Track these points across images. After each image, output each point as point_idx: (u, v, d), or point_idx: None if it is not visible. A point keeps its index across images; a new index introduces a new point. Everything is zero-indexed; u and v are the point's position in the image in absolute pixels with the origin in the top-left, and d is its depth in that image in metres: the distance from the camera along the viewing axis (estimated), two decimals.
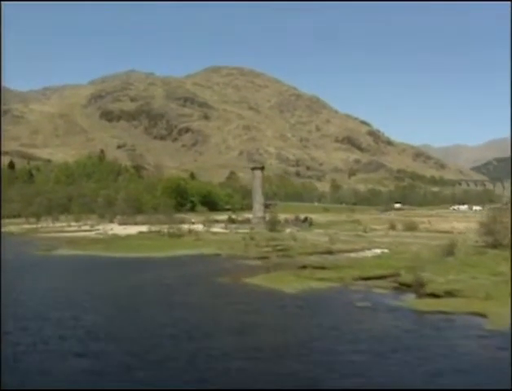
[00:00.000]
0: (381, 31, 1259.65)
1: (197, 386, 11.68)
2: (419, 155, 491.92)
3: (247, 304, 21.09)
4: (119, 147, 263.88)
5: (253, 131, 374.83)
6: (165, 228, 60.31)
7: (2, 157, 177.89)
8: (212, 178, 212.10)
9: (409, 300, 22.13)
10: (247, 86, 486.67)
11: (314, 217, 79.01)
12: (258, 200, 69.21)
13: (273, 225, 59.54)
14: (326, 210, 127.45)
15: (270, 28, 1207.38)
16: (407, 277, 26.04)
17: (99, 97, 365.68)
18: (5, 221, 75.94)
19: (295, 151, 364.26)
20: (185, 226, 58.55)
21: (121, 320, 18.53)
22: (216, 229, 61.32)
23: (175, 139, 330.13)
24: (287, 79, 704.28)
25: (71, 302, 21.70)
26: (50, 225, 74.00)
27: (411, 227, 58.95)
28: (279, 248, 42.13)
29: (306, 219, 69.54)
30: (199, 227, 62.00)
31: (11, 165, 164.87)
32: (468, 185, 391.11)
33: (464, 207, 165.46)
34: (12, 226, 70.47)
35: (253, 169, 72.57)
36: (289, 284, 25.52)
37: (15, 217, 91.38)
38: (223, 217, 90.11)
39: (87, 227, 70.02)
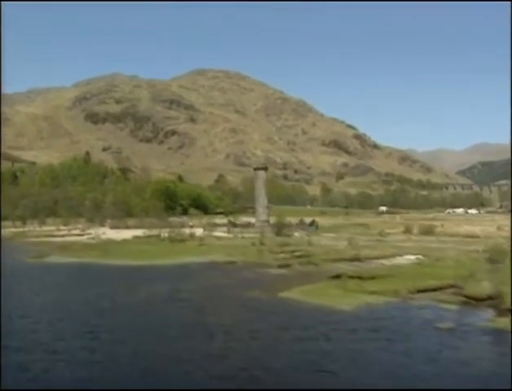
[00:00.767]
0: (367, 33, 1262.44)
1: None
2: (405, 158, 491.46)
3: (304, 328, 16.71)
4: (104, 149, 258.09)
5: (239, 134, 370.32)
6: (162, 232, 56.14)
7: None
8: (199, 181, 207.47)
9: (496, 319, 18.00)
10: (233, 89, 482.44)
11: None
12: (261, 203, 64.76)
13: (280, 229, 55.18)
14: (322, 213, 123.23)
15: (254, 30, 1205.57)
16: (473, 288, 21.96)
17: (84, 99, 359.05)
18: None
19: (282, 154, 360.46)
20: (186, 231, 53.82)
21: (152, 352, 13.96)
22: (218, 233, 56.76)
23: (161, 142, 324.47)
24: (273, 82, 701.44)
25: (76, 323, 17.28)
26: (38, 229, 69.02)
27: (428, 231, 54.93)
28: (296, 254, 37.85)
29: (313, 223, 65.20)
30: (199, 231, 57.30)
31: None
32: (455, 188, 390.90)
33: (460, 210, 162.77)
34: None
35: (256, 169, 68.07)
36: (338, 299, 21.28)
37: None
38: (218, 220, 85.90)
39: (77, 231, 65.19)
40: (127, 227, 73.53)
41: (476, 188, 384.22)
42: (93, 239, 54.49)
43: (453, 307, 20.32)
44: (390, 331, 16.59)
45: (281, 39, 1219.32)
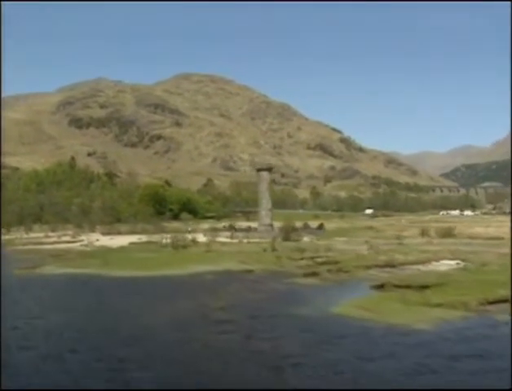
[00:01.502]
0: (350, 37, 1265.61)
1: None
2: (391, 161, 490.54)
3: (393, 356, 13.20)
4: (89, 154, 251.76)
5: (225, 138, 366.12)
6: (160, 238, 52.27)
7: None
8: (186, 186, 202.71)
9: None
10: (218, 93, 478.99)
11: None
12: (265, 206, 60.86)
13: (287, 233, 51.41)
14: (316, 217, 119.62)
15: (237, 35, 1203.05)
16: None
17: (68, 104, 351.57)
18: None
19: (269, 158, 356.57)
20: (189, 236, 49.69)
21: None
22: (221, 238, 52.79)
23: (147, 146, 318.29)
24: (257, 86, 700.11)
25: (96, 355, 13.41)
26: (25, 236, 64.40)
27: (446, 233, 51.54)
28: (318, 260, 34.19)
29: (320, 226, 61.54)
30: (200, 237, 53.22)
31: None
32: (442, 191, 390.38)
33: (455, 212, 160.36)
34: None
35: (259, 170, 64.07)
36: (405, 315, 17.74)
37: None
38: (212, 224, 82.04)
39: (68, 238, 60.81)
40: (120, 233, 69.35)
41: (462, 190, 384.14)
42: (86, 246, 50.31)
43: None
44: (498, 355, 13.04)
45: (264, 43, 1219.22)
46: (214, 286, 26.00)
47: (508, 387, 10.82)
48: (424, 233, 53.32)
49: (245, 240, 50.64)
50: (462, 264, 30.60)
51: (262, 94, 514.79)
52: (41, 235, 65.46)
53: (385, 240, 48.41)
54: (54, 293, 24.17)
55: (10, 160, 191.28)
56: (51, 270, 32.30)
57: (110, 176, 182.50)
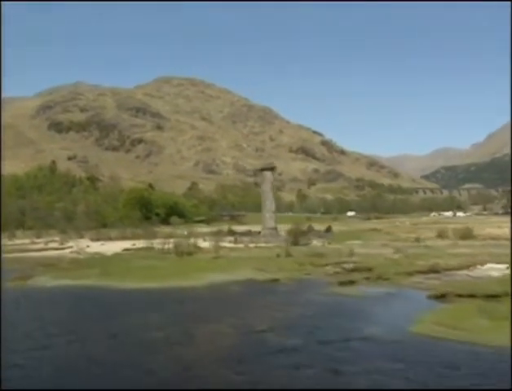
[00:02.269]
0: (329, 40, 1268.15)
1: None
2: (372, 164, 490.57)
3: None
4: (69, 158, 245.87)
5: (207, 141, 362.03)
6: (160, 244, 48.24)
7: None
8: (169, 190, 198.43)
9: None
10: (198, 97, 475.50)
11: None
12: (268, 208, 57.00)
13: (296, 237, 47.69)
14: (309, 219, 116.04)
15: (217, 38, 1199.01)
16: None
17: (48, 107, 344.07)
18: None
19: (252, 161, 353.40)
20: (191, 241, 45.60)
21: None
22: (225, 243, 48.83)
23: (128, 150, 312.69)
24: (237, 90, 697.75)
25: None
26: (8, 242, 59.81)
27: (466, 235, 48.28)
28: (347, 266, 30.56)
29: (329, 229, 57.94)
30: (199, 242, 49.24)
31: None
32: (425, 193, 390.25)
33: (448, 213, 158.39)
34: None
35: (262, 169, 60.31)
36: (501, 334, 14.03)
37: None
38: (206, 229, 78.16)
39: (55, 244, 56.49)
40: (110, 239, 65.16)
41: (445, 192, 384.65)
42: (78, 253, 46.14)
43: None
44: None
45: (244, 47, 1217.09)
46: (243, 299, 22.21)
47: (508, 387, 10.37)
48: (441, 235, 50.04)
49: (251, 245, 46.90)
50: None
51: (243, 97, 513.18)
52: (27, 241, 60.96)
53: (404, 243, 44.98)
54: (56, 312, 20.04)
55: None
56: (45, 281, 28.17)
57: (92, 180, 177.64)
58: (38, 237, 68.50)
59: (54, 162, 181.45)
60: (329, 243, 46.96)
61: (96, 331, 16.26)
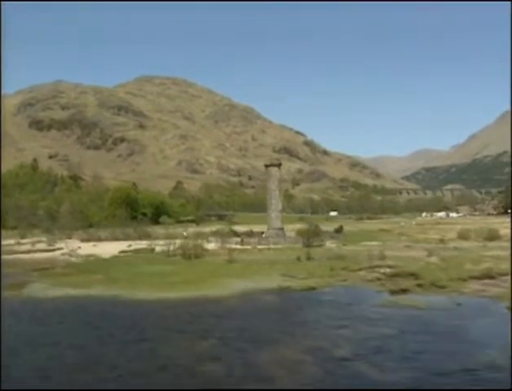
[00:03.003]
0: (311, 40, 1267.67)
1: None
2: (355, 164, 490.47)
3: None
4: (51, 157, 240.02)
5: (190, 141, 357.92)
6: (154, 245, 44.54)
7: None
8: (152, 189, 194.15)
9: None
10: (180, 96, 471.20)
11: None
12: (274, 207, 53.19)
13: (309, 238, 44.08)
14: (301, 219, 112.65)
15: (198, 38, 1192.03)
16: None
17: (29, 105, 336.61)
18: None
19: (235, 160, 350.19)
20: (199, 243, 41.65)
21: None
22: (233, 245, 45.01)
23: (110, 149, 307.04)
24: (219, 89, 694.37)
25: None
26: None
27: (492, 236, 45.13)
28: (387, 271, 27.08)
29: (340, 230, 54.42)
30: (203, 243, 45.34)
31: None
32: (408, 193, 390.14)
33: (441, 214, 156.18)
34: None
35: (268, 166, 56.40)
36: None
37: None
38: (196, 229, 74.46)
39: (43, 245, 52.24)
40: (100, 239, 61.10)
41: (429, 193, 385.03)
42: (70, 255, 42.12)
43: None
44: None
45: (224, 47, 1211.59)
46: (289, 313, 18.47)
47: (508, 387, 9.99)
48: (464, 236, 46.87)
49: (260, 247, 43.21)
50: None
51: (226, 97, 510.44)
52: (11, 242, 56.53)
53: (428, 245, 41.59)
54: (70, 333, 16.01)
55: None
56: (43, 290, 24.13)
57: (75, 179, 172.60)
58: (23, 237, 64.16)
59: (35, 160, 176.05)
60: (344, 245, 43.44)
61: (135, 362, 12.43)
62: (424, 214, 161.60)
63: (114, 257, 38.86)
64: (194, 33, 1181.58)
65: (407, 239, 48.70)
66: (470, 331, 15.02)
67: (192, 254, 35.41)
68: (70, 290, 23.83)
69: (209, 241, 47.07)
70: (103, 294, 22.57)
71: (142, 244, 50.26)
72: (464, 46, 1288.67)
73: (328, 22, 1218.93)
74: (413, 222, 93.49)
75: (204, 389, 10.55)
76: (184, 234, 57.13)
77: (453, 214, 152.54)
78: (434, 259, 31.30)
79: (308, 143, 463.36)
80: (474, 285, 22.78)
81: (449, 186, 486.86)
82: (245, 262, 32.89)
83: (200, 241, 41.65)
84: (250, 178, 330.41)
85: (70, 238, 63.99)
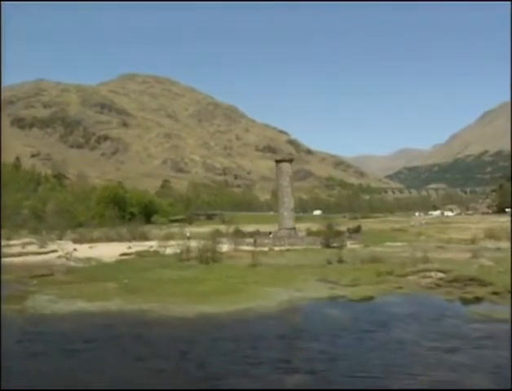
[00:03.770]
0: (296, 39, 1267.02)
1: None
2: (339, 163, 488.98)
3: None
4: (33, 155, 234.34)
5: (174, 139, 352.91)
6: (157, 247, 40.83)
7: None
8: (138, 188, 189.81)
9: None
10: (164, 94, 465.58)
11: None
12: (287, 206, 49.43)
13: (328, 239, 40.52)
14: (298, 219, 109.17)
15: (181, 35, 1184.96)
16: None
17: (10, 103, 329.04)
18: None
19: (221, 159, 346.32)
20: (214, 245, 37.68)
21: None
22: (245, 247, 41.27)
23: (94, 147, 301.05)
24: (202, 88, 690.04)
25: None
26: None
27: None
28: (444, 276, 23.62)
29: (358, 229, 50.95)
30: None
31: None
32: (393, 192, 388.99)
33: (436, 213, 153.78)
34: None
35: (279, 161, 52.52)
36: None
37: None
38: (204, 229, 70.76)
39: (34, 247, 48.02)
40: (93, 240, 57.00)
41: (414, 192, 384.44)
42: (67, 259, 38.13)
43: None
44: None
45: (207, 45, 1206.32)
46: (369, 331, 14.86)
47: (508, 387, 9.77)
48: (492, 235, 43.72)
49: (277, 248, 39.55)
50: None
51: (209, 95, 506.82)
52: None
53: (462, 245, 38.37)
54: (109, 369, 12.21)
55: None
56: (50, 303, 20.04)
57: (59, 177, 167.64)
58: (9, 238, 59.71)
59: (18, 159, 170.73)
60: (367, 246, 39.94)
61: None
62: (417, 213, 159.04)
63: (119, 262, 34.97)
64: (176, 32, 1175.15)
65: (431, 240, 45.44)
66: None
67: (209, 258, 31.57)
68: (83, 303, 19.93)
69: (221, 243, 43.23)
70: (126, 309, 18.71)
71: (142, 246, 46.51)
72: (445, 47, 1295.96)
73: (312, 21, 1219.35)
74: (423, 221, 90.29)
75: (204, 389, 10.40)
76: (187, 234, 53.26)
77: (449, 213, 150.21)
78: (484, 261, 27.91)
79: (292, 142, 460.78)
80: None
81: (433, 185, 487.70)
82: (271, 266, 29.28)
83: (213, 243, 37.49)
84: (236, 177, 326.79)
85: (61, 239, 59.87)
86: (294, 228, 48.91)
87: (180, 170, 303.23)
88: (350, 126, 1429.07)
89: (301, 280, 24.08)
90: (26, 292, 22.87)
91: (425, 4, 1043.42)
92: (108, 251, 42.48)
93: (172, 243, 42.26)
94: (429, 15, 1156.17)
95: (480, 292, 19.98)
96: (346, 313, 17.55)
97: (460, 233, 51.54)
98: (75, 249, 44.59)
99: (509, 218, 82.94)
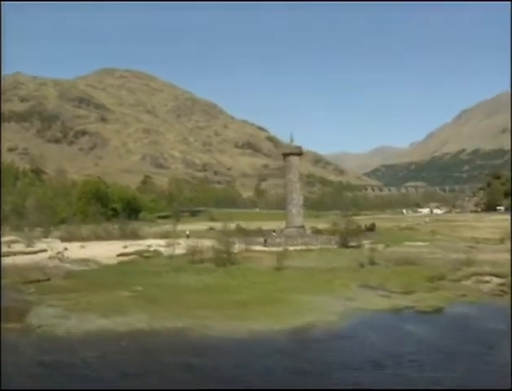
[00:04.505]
0: (275, 36, 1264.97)
1: None
2: (318, 161, 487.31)
3: None
4: (10, 150, 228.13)
5: (153, 135, 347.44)
6: (158, 247, 37.52)
7: None
8: (118, 184, 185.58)
9: None
10: (142, 89, 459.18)
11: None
12: (296, 202, 46.17)
13: (345, 238, 37.51)
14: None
15: (159, 31, 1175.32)
16: None
17: None
18: None
19: (200, 155, 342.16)
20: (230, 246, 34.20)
21: None
22: (256, 246, 38.05)
23: (72, 142, 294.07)
24: (181, 83, 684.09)
25: None
26: None
27: None
28: (489, 279, 20.88)
29: (373, 228, 48.06)
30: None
31: None
32: (373, 190, 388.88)
33: (425, 210, 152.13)
34: None
35: (287, 155, 49.19)
36: None
37: None
38: (199, 227, 67.84)
39: (21, 246, 44.25)
40: (83, 239, 53.32)
41: (394, 190, 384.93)
42: (60, 260, 34.60)
43: None
44: None
45: (185, 42, 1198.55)
46: (479, 354, 11.91)
47: (508, 387, 9.71)
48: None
49: (291, 248, 36.39)
50: None
51: (187, 91, 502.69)
52: None
53: (490, 246, 35.80)
54: None
55: None
56: (58, 319, 16.45)
57: (37, 172, 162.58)
58: None
59: None
60: (388, 246, 36.99)
61: None
62: (405, 211, 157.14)
63: (121, 264, 31.54)
64: (155, 27, 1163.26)
65: (449, 239, 42.85)
66: None
67: (225, 260, 28.30)
68: (100, 319, 16.50)
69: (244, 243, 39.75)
70: (156, 327, 15.38)
71: (138, 245, 43.24)
72: (423, 45, 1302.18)
73: (288, 19, 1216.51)
74: (426, 219, 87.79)
75: (204, 389, 9.95)
76: (187, 232, 49.86)
77: (437, 211, 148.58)
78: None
79: (271, 139, 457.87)
80: None
81: (411, 183, 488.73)
82: (297, 270, 26.17)
83: (226, 243, 33.89)
84: (216, 173, 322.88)
85: (47, 237, 56.10)
86: (303, 226, 45.71)
87: (160, 166, 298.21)
88: (328, 123, 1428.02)
89: (340, 286, 21.14)
90: (24, 302, 19.42)
91: (405, 2, 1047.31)
92: (102, 250, 39.03)
93: (161, 242, 38.99)
94: (406, 13, 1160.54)
95: None
96: (429, 329, 14.61)
97: (473, 232, 48.99)
98: (66, 248, 40.89)
99: (504, 216, 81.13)
